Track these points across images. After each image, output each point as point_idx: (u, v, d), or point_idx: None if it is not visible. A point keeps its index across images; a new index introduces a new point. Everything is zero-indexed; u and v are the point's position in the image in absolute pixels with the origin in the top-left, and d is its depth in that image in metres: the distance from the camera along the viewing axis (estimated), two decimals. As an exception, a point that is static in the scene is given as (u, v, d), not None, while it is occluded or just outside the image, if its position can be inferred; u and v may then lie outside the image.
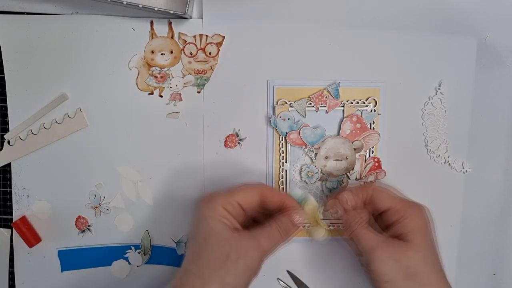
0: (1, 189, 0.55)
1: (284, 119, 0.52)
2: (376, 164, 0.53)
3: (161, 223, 0.54)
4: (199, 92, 0.53)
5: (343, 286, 0.56)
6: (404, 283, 0.42)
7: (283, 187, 0.53)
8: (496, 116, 0.53)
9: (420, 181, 0.54)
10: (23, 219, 0.54)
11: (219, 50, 0.52)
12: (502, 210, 0.55)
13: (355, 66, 0.52)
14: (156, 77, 0.52)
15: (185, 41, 0.52)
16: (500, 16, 0.52)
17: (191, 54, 0.52)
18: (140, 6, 0.47)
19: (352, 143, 0.52)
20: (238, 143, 0.53)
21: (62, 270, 0.55)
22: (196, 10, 0.52)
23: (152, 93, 0.53)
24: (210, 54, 0.52)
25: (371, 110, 0.52)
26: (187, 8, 0.48)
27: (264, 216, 0.48)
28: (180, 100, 0.53)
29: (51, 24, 0.52)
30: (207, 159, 0.53)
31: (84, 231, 0.55)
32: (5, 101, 0.53)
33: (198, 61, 0.52)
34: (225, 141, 0.53)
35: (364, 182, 0.53)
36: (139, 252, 0.55)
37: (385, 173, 0.53)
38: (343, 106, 0.52)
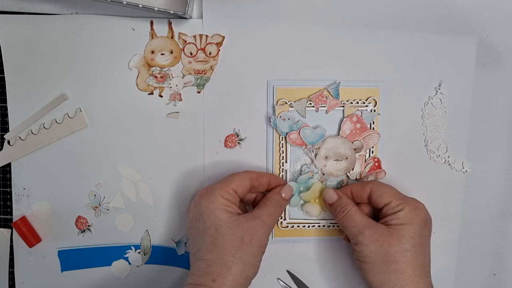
0: (1, 189, 0.55)
1: (284, 119, 0.52)
2: (376, 164, 0.53)
3: (161, 223, 0.54)
4: (199, 92, 0.53)
5: (343, 286, 0.56)
6: (381, 267, 0.46)
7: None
8: (496, 116, 0.53)
9: (420, 181, 0.54)
10: (23, 219, 0.54)
11: (219, 50, 0.52)
12: (502, 210, 0.55)
13: (355, 66, 0.52)
14: (156, 77, 0.52)
15: (185, 41, 0.52)
16: (500, 16, 0.52)
17: (191, 54, 0.52)
18: (140, 6, 0.47)
19: (352, 143, 0.52)
20: (238, 143, 0.53)
21: (62, 270, 0.55)
22: (196, 10, 0.52)
23: (152, 93, 0.53)
24: (210, 54, 0.52)
25: (371, 110, 0.52)
26: (187, 8, 0.48)
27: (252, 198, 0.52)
28: (180, 100, 0.53)
29: (51, 24, 0.52)
30: (207, 159, 0.53)
31: (84, 231, 0.55)
32: (5, 101, 0.53)
33: (198, 61, 0.52)
34: (225, 141, 0.53)
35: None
36: (139, 252, 0.55)
37: (385, 173, 0.53)
38: (343, 106, 0.52)
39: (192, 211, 0.48)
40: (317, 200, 0.53)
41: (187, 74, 0.52)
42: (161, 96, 0.53)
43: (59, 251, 0.55)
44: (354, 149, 0.52)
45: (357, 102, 0.52)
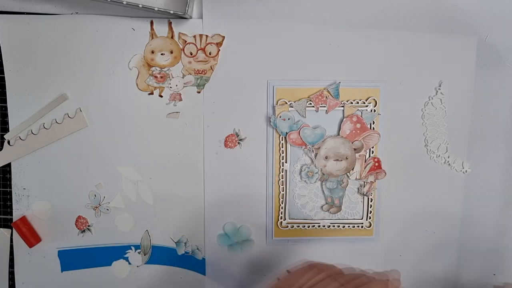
0: (1, 189, 0.55)
1: (284, 119, 0.52)
2: (376, 164, 0.53)
3: (161, 223, 0.54)
4: (199, 92, 0.53)
5: (343, 286, 0.56)
6: None
7: (283, 187, 0.53)
8: (496, 116, 0.53)
9: (420, 181, 0.54)
10: (23, 219, 0.54)
11: (219, 50, 0.52)
12: (502, 210, 0.55)
13: (355, 66, 0.52)
14: (156, 77, 0.52)
15: (185, 41, 0.52)
16: (500, 16, 0.52)
17: (191, 54, 0.52)
18: (140, 6, 0.47)
19: (352, 143, 0.52)
20: (238, 143, 0.53)
21: (62, 270, 0.55)
22: (196, 10, 0.52)
23: (152, 93, 0.53)
24: (210, 54, 0.52)
25: (371, 110, 0.52)
26: (187, 8, 0.48)
27: None
28: (180, 100, 0.53)
29: (51, 24, 0.52)
30: (207, 159, 0.53)
31: (84, 231, 0.55)
32: (5, 101, 0.53)
33: (198, 61, 0.52)
34: (225, 141, 0.53)
35: (364, 182, 0.53)
36: (139, 252, 0.55)
37: (385, 173, 0.53)
38: (343, 106, 0.52)
39: None
40: None
41: (187, 74, 0.52)
42: (161, 96, 0.53)
43: (59, 251, 0.55)
44: (354, 149, 0.52)
45: (357, 102, 0.52)
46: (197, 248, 0.55)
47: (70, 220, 0.54)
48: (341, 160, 0.53)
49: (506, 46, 0.52)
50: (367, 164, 0.53)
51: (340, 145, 0.52)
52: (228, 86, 0.53)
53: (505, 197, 0.55)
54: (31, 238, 0.54)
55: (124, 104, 0.53)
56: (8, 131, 0.53)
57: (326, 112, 0.52)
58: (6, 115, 0.53)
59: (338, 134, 0.53)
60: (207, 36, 0.52)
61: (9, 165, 0.54)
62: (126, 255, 0.55)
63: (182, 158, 0.53)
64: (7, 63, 0.52)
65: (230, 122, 0.53)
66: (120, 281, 0.55)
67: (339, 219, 0.54)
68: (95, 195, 0.54)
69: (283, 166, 0.53)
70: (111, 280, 0.55)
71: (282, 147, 0.53)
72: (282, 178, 0.53)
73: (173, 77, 0.52)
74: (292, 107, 0.52)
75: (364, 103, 0.52)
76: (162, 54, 0.52)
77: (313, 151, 0.53)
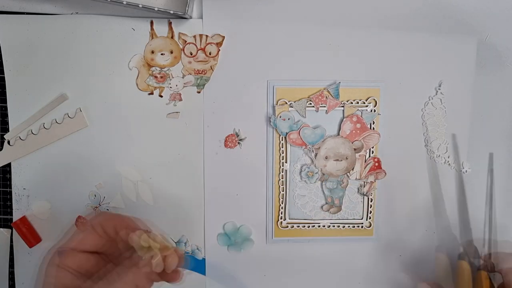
0: (1, 189, 0.55)
1: (284, 119, 0.52)
2: (376, 164, 0.53)
3: (161, 223, 0.54)
4: (199, 92, 0.53)
5: (343, 286, 0.56)
6: None
7: (283, 187, 0.53)
8: (496, 116, 0.53)
9: (420, 181, 0.54)
10: (23, 219, 0.54)
11: (219, 50, 0.52)
12: (502, 210, 0.55)
13: (355, 66, 0.52)
14: (156, 77, 0.52)
15: (185, 41, 0.52)
16: (500, 16, 0.52)
17: (191, 54, 0.52)
18: (140, 6, 0.47)
19: (352, 143, 0.52)
20: (238, 143, 0.53)
21: (62, 270, 0.55)
22: (196, 10, 0.52)
23: (152, 93, 0.53)
24: (210, 54, 0.52)
25: (371, 110, 0.52)
26: (187, 8, 0.48)
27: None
28: (180, 100, 0.53)
29: (51, 24, 0.52)
30: (207, 159, 0.53)
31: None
32: (5, 101, 0.53)
33: (198, 61, 0.52)
34: (225, 141, 0.53)
35: (364, 182, 0.53)
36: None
37: (385, 173, 0.53)
38: (343, 106, 0.52)
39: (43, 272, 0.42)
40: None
41: (187, 74, 0.52)
42: (161, 96, 0.53)
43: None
44: (354, 149, 0.52)
45: (357, 102, 0.52)
46: (197, 248, 0.55)
47: (70, 220, 0.54)
48: (341, 160, 0.53)
49: (506, 46, 0.52)
50: (367, 164, 0.53)
51: (340, 145, 0.52)
52: (228, 86, 0.53)
53: (505, 197, 0.55)
54: (31, 238, 0.54)
55: (124, 104, 0.53)
56: (8, 131, 0.53)
57: (326, 112, 0.52)
58: (6, 115, 0.53)
59: (338, 134, 0.53)
60: (207, 36, 0.52)
61: (9, 165, 0.54)
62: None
63: (182, 158, 0.53)
64: (7, 63, 0.52)
65: (230, 122, 0.53)
66: (120, 281, 0.55)
67: (339, 219, 0.54)
68: (95, 195, 0.54)
69: (283, 166, 0.53)
70: (111, 280, 0.55)
71: (282, 147, 0.53)
72: (282, 178, 0.53)
73: (173, 77, 0.52)
74: (292, 107, 0.52)
75: (364, 103, 0.52)
76: (162, 54, 0.52)
77: (313, 151, 0.53)
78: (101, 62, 0.52)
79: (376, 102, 0.52)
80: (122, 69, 0.52)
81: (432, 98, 0.53)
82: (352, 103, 0.52)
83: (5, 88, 0.53)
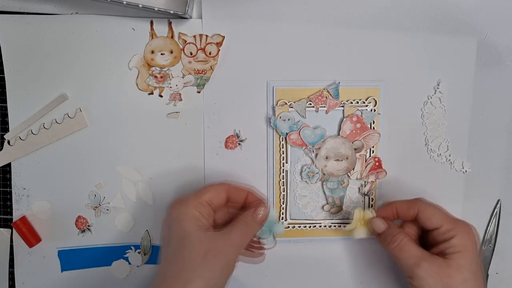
0: (1, 189, 0.55)
1: (284, 120, 0.52)
2: (377, 163, 0.53)
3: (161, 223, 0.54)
4: (199, 92, 0.53)
5: (344, 286, 0.55)
6: None
7: (283, 188, 0.53)
8: (496, 114, 0.53)
9: (421, 180, 0.54)
10: (23, 219, 0.54)
11: (219, 50, 0.52)
12: (502, 209, 0.55)
13: (355, 66, 0.52)
14: (156, 77, 0.52)
15: (185, 41, 0.52)
16: (499, 14, 0.52)
17: (191, 54, 0.52)
18: (140, 6, 0.47)
19: (353, 143, 0.52)
20: (239, 144, 0.53)
21: (62, 270, 0.55)
22: (196, 10, 0.52)
23: (152, 93, 0.53)
24: (210, 54, 0.52)
25: (371, 110, 0.52)
26: (187, 8, 0.48)
27: (229, 212, 0.50)
28: (180, 100, 0.53)
29: (51, 24, 0.52)
30: (208, 160, 0.53)
31: (84, 231, 0.55)
32: (5, 101, 0.53)
33: (198, 61, 0.52)
34: (225, 142, 0.53)
35: (365, 182, 0.53)
36: (139, 252, 0.55)
37: (386, 173, 0.53)
38: (343, 106, 0.52)
39: (164, 220, 0.47)
40: (362, 223, 0.51)
41: (187, 74, 0.52)
42: (161, 96, 0.53)
43: (59, 251, 0.55)
44: (355, 149, 0.52)
45: (357, 102, 0.52)
46: (197, 248, 0.55)
47: (70, 220, 0.54)
48: (342, 160, 0.53)
49: (506, 44, 0.52)
50: (368, 164, 0.53)
51: (341, 145, 0.52)
52: (228, 86, 0.53)
53: (505, 196, 0.54)
54: (31, 238, 0.54)
55: (124, 104, 0.53)
56: (8, 131, 0.53)
57: (326, 112, 0.52)
58: (6, 115, 0.53)
59: (338, 134, 0.52)
60: (207, 36, 0.52)
61: (9, 165, 0.54)
62: (126, 255, 0.55)
63: (182, 158, 0.53)
64: (7, 63, 0.52)
65: (230, 123, 0.53)
66: (120, 281, 0.55)
67: (340, 219, 0.54)
68: (95, 195, 0.54)
69: (283, 166, 0.53)
70: (111, 280, 0.55)
71: (283, 148, 0.53)
72: (283, 179, 0.53)
73: (173, 77, 0.52)
74: (292, 107, 0.52)
75: (364, 103, 0.52)
76: (162, 54, 0.52)
77: (313, 151, 0.53)
78: (101, 62, 0.52)
79: (376, 101, 0.52)
80: (122, 69, 0.52)
81: (431, 98, 0.53)
82: (352, 103, 0.52)
83: (5, 88, 0.53)
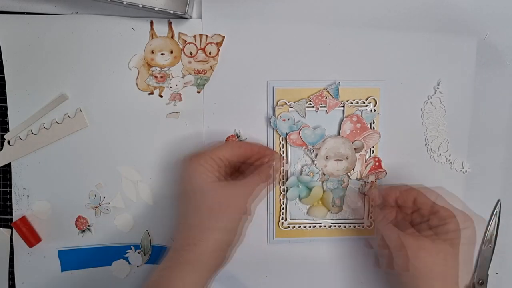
0: (1, 189, 0.55)
1: (284, 120, 0.52)
2: (377, 163, 0.53)
3: (161, 223, 0.54)
4: (199, 92, 0.53)
5: (345, 286, 0.55)
6: (420, 280, 0.45)
7: (283, 188, 0.53)
8: (496, 114, 0.53)
9: (421, 180, 0.54)
10: (23, 219, 0.54)
11: (219, 50, 0.52)
12: (502, 209, 0.55)
13: (355, 66, 0.52)
14: (156, 77, 0.52)
15: (185, 41, 0.52)
16: (499, 14, 0.52)
17: (191, 54, 0.52)
18: (140, 6, 0.47)
19: (353, 143, 0.52)
20: (239, 143, 0.53)
21: (62, 270, 0.55)
22: (196, 10, 0.52)
23: (152, 93, 0.53)
24: (210, 54, 0.52)
25: (371, 110, 0.52)
26: (187, 8, 0.48)
27: (245, 165, 0.52)
28: (180, 100, 0.53)
29: (51, 24, 0.52)
30: (208, 160, 0.53)
31: (84, 231, 0.55)
32: (5, 101, 0.53)
33: (198, 61, 0.52)
34: (225, 142, 0.53)
35: (365, 182, 0.53)
36: (139, 252, 0.55)
37: (386, 173, 0.53)
38: (343, 106, 0.52)
39: (181, 173, 0.49)
40: (320, 202, 0.53)
41: (187, 74, 0.52)
42: (161, 96, 0.53)
43: (59, 251, 0.55)
44: (355, 149, 0.52)
45: (357, 102, 0.52)
46: (197, 248, 0.55)
47: (70, 220, 0.54)
48: (342, 160, 0.52)
49: (506, 44, 0.52)
50: (368, 164, 0.53)
51: (341, 145, 0.52)
52: (228, 86, 0.52)
53: (505, 196, 0.54)
54: (31, 238, 0.54)
55: (124, 104, 0.53)
56: (8, 131, 0.53)
57: (326, 112, 0.52)
58: (6, 115, 0.53)
59: (338, 134, 0.52)
60: (207, 36, 0.52)
61: (9, 165, 0.54)
62: (126, 255, 0.55)
63: (182, 158, 0.53)
64: (7, 63, 0.52)
65: (230, 123, 0.53)
66: (120, 281, 0.55)
67: (340, 219, 0.54)
68: (95, 195, 0.54)
69: (283, 166, 0.53)
70: (111, 280, 0.55)
71: (283, 148, 0.53)
72: (283, 179, 0.53)
73: (173, 77, 0.52)
74: (292, 107, 0.52)
75: (364, 102, 0.52)
76: (162, 54, 0.52)
77: (313, 151, 0.53)
78: (101, 62, 0.52)
79: (376, 101, 0.52)
80: (122, 69, 0.52)
81: (431, 98, 0.53)
82: (352, 103, 0.52)
83: (5, 88, 0.53)
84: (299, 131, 0.52)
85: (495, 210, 0.54)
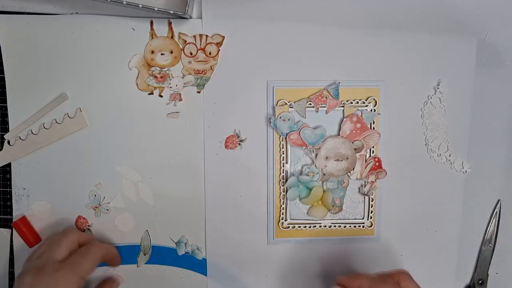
0: (1, 189, 0.55)
1: (284, 120, 0.52)
2: (377, 163, 0.53)
3: (161, 223, 0.54)
4: (199, 92, 0.53)
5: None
6: None
7: (283, 188, 0.53)
8: (496, 114, 0.53)
9: (421, 180, 0.54)
10: (23, 219, 0.54)
11: (219, 50, 0.52)
12: (502, 209, 0.55)
13: (355, 66, 0.52)
14: (156, 77, 0.52)
15: (185, 41, 0.52)
16: (499, 15, 0.52)
17: (191, 54, 0.52)
18: (140, 6, 0.47)
19: (353, 143, 0.52)
20: (239, 144, 0.53)
21: (62, 270, 0.55)
22: (196, 10, 0.52)
23: (152, 93, 0.53)
24: (210, 54, 0.52)
25: (371, 110, 0.52)
26: (187, 8, 0.48)
27: None
28: (180, 100, 0.53)
29: (51, 24, 0.52)
30: (208, 160, 0.53)
31: (84, 231, 0.55)
32: (5, 101, 0.53)
33: (198, 61, 0.52)
34: (225, 142, 0.53)
35: (365, 182, 0.53)
36: (139, 252, 0.55)
37: (386, 173, 0.53)
38: (343, 106, 0.52)
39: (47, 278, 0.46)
40: (320, 203, 0.53)
41: (187, 74, 0.52)
42: (161, 96, 0.53)
43: (59, 251, 0.55)
44: (355, 149, 0.52)
45: (357, 102, 0.52)
46: (197, 248, 0.55)
47: (70, 220, 0.54)
48: (342, 160, 0.53)
49: (506, 44, 0.52)
50: (368, 164, 0.53)
51: (341, 145, 0.52)
52: (228, 86, 0.52)
53: (505, 197, 0.54)
54: (31, 238, 0.54)
55: (124, 104, 0.53)
56: (8, 131, 0.53)
57: (326, 112, 0.52)
58: (6, 115, 0.53)
59: (338, 134, 0.52)
60: (207, 36, 0.52)
61: (9, 165, 0.54)
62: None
63: (182, 158, 0.53)
64: (7, 63, 0.52)
65: (230, 123, 0.53)
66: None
67: (340, 219, 0.54)
68: (95, 195, 0.54)
69: (283, 166, 0.53)
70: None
71: (283, 148, 0.53)
72: (283, 179, 0.53)
73: (173, 77, 0.52)
74: (292, 107, 0.52)
75: (364, 103, 0.52)
76: (162, 54, 0.52)
77: (313, 151, 0.53)
78: (101, 62, 0.52)
79: (376, 101, 0.52)
80: (122, 69, 0.52)
81: (431, 98, 0.53)
82: (352, 103, 0.52)
83: (5, 88, 0.53)
84: (299, 131, 0.52)
85: (495, 210, 0.54)
